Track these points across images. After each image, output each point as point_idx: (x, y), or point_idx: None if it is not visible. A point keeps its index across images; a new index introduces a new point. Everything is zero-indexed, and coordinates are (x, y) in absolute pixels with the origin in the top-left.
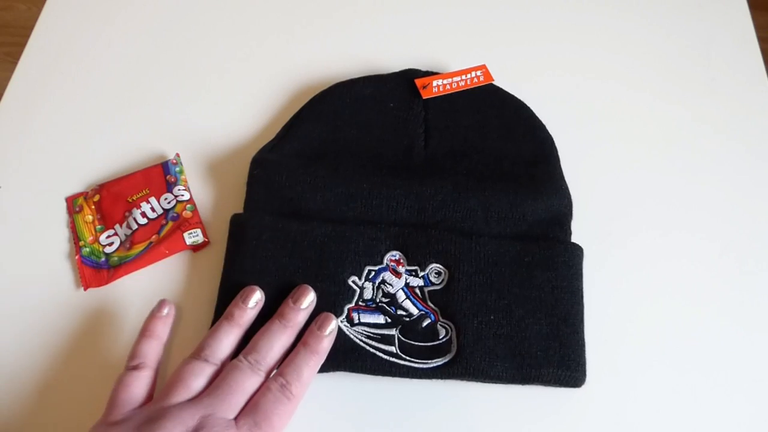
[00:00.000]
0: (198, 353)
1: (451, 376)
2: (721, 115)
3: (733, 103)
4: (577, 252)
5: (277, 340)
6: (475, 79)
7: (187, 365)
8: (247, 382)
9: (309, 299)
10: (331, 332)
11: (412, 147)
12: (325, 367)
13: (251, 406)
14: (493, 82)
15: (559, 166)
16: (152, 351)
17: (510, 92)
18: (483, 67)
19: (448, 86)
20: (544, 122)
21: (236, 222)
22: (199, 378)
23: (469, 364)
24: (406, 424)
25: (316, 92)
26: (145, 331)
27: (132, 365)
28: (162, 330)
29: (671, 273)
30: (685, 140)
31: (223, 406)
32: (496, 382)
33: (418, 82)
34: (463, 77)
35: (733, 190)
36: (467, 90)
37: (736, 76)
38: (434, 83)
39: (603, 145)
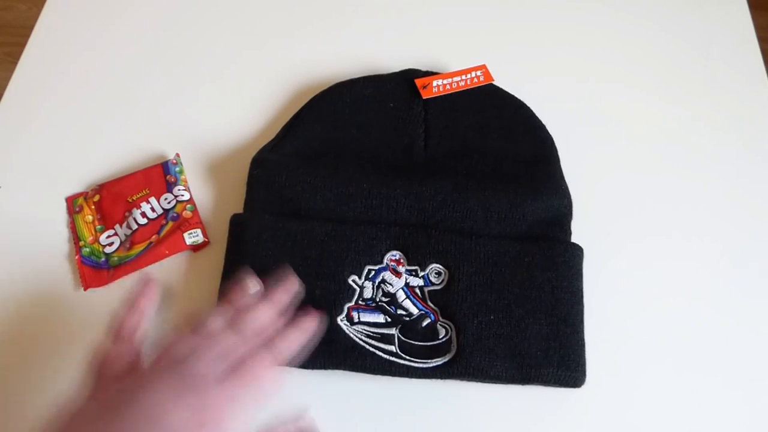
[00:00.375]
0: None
1: (451, 375)
2: (722, 115)
3: (734, 103)
4: (576, 252)
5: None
6: (475, 79)
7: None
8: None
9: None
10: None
11: (412, 147)
12: (326, 365)
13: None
14: (493, 82)
15: (559, 166)
16: (134, 323)
17: (510, 92)
18: (483, 67)
19: (448, 86)
20: (544, 122)
21: (236, 222)
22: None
23: (468, 363)
24: (406, 425)
25: (316, 92)
26: (128, 304)
27: (113, 334)
28: (146, 304)
29: (671, 273)
30: (685, 140)
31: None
32: (495, 382)
33: (418, 82)
34: (463, 77)
35: (733, 190)
36: (467, 90)
37: (736, 76)
38: (434, 83)
39: (603, 145)
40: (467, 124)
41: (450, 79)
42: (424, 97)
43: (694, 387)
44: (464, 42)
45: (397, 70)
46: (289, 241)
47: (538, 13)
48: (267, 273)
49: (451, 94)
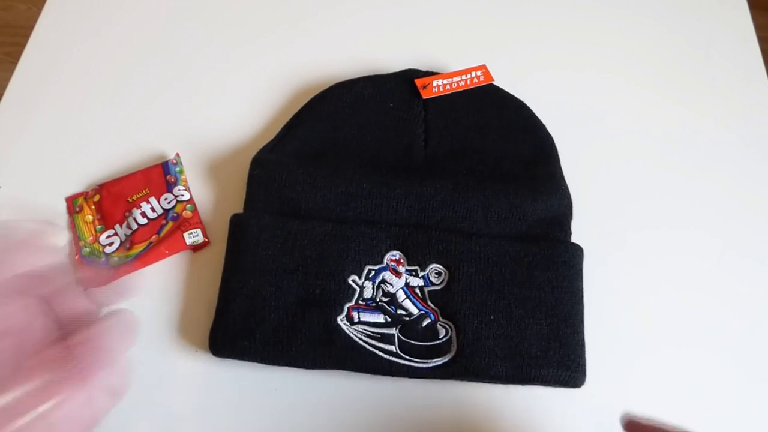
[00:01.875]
0: None
1: (451, 375)
2: (722, 115)
3: (734, 103)
4: (577, 252)
5: None
6: (475, 79)
7: None
8: None
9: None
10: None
11: (412, 147)
12: (326, 365)
13: None
14: (494, 82)
15: (560, 166)
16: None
17: (510, 92)
18: (483, 67)
19: (448, 86)
20: (544, 120)
21: (236, 222)
22: None
23: (469, 363)
24: (406, 424)
25: (316, 92)
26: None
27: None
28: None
29: (672, 272)
30: (685, 139)
31: None
32: (496, 382)
33: (418, 82)
34: (463, 77)
35: (734, 189)
36: (467, 90)
37: (737, 75)
38: (434, 83)
39: (604, 144)
40: (467, 124)
41: (450, 79)
42: (424, 97)
43: (695, 387)
44: (465, 41)
45: (397, 70)
46: (289, 240)
47: (538, 12)
48: (267, 273)
49: (451, 94)
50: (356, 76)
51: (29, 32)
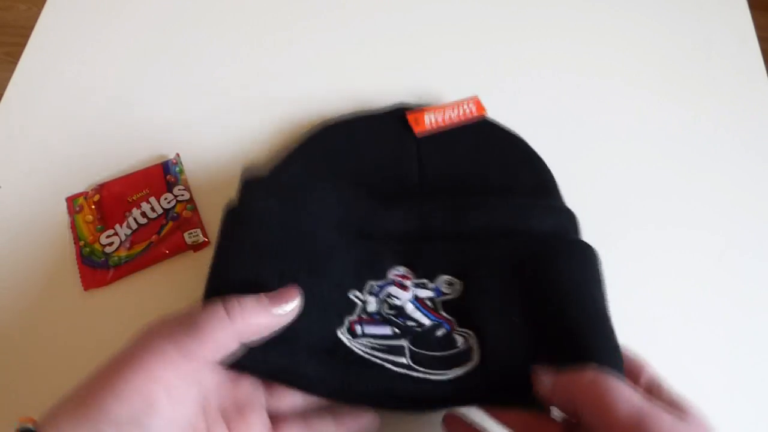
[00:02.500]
0: None
1: (474, 387)
2: (722, 115)
3: (734, 103)
4: (590, 248)
5: None
6: (468, 112)
7: None
8: None
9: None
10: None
11: (407, 183)
12: (329, 383)
13: None
14: (486, 114)
15: (561, 195)
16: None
17: (504, 124)
18: (475, 99)
19: (440, 120)
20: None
21: (233, 214)
22: None
23: (494, 369)
24: (405, 423)
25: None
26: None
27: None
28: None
29: (673, 272)
30: (685, 139)
31: None
32: (523, 395)
33: (410, 117)
34: (455, 110)
35: (734, 189)
36: (460, 125)
37: (737, 75)
38: (426, 118)
39: (604, 145)
40: (462, 160)
41: (442, 112)
42: (416, 132)
43: (695, 386)
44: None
45: (390, 99)
46: (290, 248)
47: (536, 12)
48: (259, 275)
49: (443, 128)
50: (348, 104)
51: (29, 32)
